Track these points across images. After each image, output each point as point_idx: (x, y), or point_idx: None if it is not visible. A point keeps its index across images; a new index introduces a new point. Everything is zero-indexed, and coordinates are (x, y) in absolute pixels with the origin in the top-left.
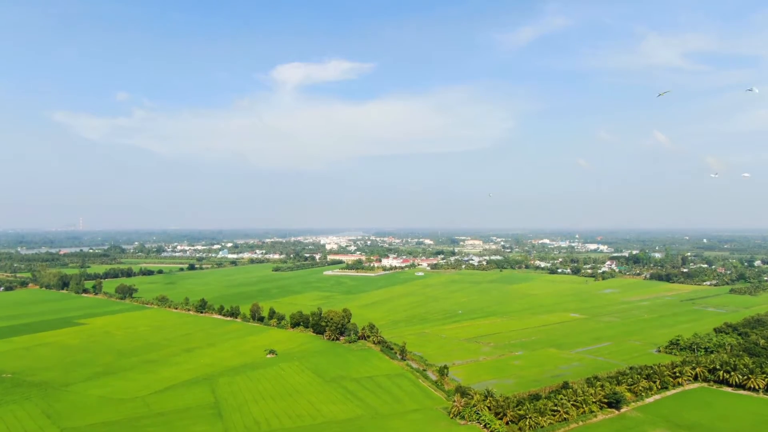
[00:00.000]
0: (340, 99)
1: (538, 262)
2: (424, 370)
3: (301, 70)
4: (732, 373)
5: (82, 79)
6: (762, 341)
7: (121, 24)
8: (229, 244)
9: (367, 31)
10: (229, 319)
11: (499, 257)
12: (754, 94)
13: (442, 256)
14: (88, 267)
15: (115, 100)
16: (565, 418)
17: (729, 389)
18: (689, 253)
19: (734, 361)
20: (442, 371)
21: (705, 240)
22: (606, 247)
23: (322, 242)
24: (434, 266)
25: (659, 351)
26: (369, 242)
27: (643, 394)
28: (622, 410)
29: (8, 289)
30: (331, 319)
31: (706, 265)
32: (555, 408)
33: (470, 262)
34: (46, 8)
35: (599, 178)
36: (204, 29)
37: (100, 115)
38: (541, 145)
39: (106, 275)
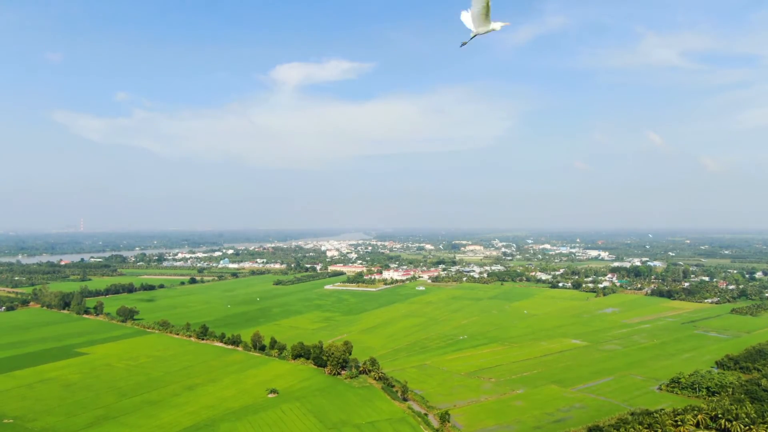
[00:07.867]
0: (339, 99)
1: (539, 274)
2: (426, 414)
3: (300, 70)
4: (734, 423)
5: (81, 78)
6: (764, 381)
7: (120, 24)
8: (230, 251)
9: (367, 31)
10: (230, 347)
11: (500, 267)
12: (751, 92)
13: (443, 266)
14: (89, 279)
15: (114, 100)
16: None
17: None
18: (690, 263)
19: (735, 409)
20: (444, 417)
21: (705, 246)
22: (607, 254)
23: (323, 248)
24: (435, 279)
25: (660, 389)
26: (369, 248)
27: None
28: None
29: (9, 308)
30: (333, 353)
31: (707, 279)
32: None
33: (471, 274)
34: (46, 8)
35: (598, 179)
36: (204, 29)
37: (100, 116)
38: (539, 145)
39: (108, 291)
